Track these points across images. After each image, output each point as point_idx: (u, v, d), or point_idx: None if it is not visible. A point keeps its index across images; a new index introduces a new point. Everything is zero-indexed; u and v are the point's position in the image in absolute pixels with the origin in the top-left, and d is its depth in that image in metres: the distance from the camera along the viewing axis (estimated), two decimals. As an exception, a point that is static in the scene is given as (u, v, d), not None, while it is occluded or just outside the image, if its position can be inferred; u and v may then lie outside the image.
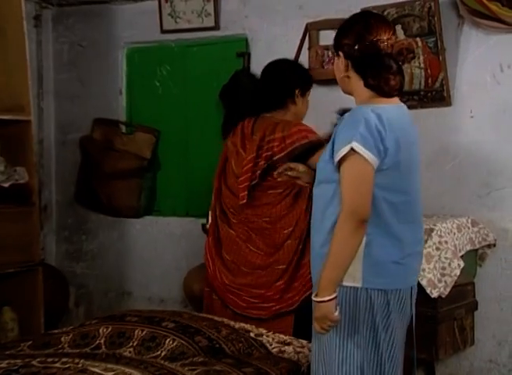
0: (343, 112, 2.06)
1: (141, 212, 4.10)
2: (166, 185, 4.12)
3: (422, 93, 3.30)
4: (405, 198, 1.96)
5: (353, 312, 1.93)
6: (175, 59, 4.06)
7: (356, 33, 1.95)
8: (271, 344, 2.51)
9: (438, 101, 3.28)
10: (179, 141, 4.05)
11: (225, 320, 2.67)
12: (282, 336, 2.61)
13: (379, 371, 1.95)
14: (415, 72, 3.28)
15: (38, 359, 2.27)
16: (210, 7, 3.81)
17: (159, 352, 2.36)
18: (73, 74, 4.28)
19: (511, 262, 3.23)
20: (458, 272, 2.91)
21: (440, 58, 3.22)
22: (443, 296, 2.87)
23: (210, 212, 3.08)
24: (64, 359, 2.26)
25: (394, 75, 1.93)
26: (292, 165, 2.70)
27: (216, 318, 2.70)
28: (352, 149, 1.85)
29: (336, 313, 1.90)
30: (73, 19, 4.27)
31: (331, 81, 3.32)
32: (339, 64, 2.01)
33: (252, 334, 2.57)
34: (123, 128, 4.18)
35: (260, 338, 2.55)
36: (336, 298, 1.91)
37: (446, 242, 2.91)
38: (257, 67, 3.71)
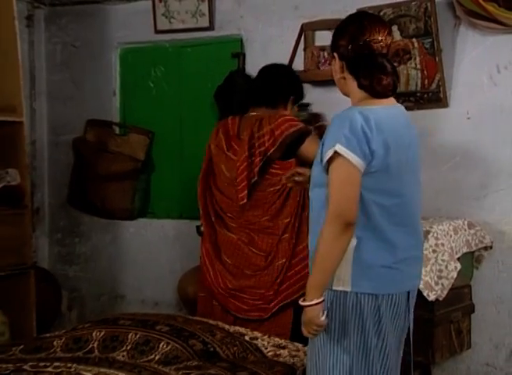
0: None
1: (135, 214, 4.10)
2: (160, 187, 4.11)
3: (419, 94, 3.30)
4: (397, 200, 1.95)
5: (342, 317, 1.93)
6: (169, 60, 4.05)
7: (350, 34, 1.96)
8: (266, 348, 2.51)
9: (434, 103, 3.28)
10: (174, 143, 4.04)
11: (220, 324, 2.67)
12: (277, 339, 2.61)
13: None
14: (411, 73, 3.29)
15: (30, 364, 2.26)
16: (204, 7, 3.81)
17: (153, 356, 2.35)
18: (66, 75, 4.27)
19: (508, 265, 3.23)
20: (455, 274, 2.91)
21: (437, 59, 3.22)
22: (440, 299, 2.88)
23: (202, 218, 3.07)
24: (56, 364, 2.26)
25: (387, 75, 1.93)
26: (300, 170, 2.72)
27: (211, 321, 2.69)
28: (336, 152, 1.86)
29: (323, 318, 1.91)
30: (66, 19, 4.26)
31: (327, 82, 3.33)
32: (335, 66, 2.02)
33: (247, 338, 2.57)
34: (117, 129, 4.18)
35: (255, 342, 2.55)
36: (322, 302, 1.91)
37: (443, 244, 2.91)
38: (252, 68, 3.72)
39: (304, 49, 3.57)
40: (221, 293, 2.99)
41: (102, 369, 2.21)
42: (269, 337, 2.64)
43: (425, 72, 3.26)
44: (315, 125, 3.21)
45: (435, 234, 2.90)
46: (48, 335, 2.63)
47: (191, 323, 2.59)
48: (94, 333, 2.47)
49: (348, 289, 1.91)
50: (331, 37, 2.03)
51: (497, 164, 3.24)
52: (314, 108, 3.55)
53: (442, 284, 2.87)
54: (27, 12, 4.23)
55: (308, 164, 2.85)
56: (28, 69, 4.19)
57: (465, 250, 3.06)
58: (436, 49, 3.21)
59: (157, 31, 3.96)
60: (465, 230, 3.10)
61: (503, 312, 3.24)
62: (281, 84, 3.03)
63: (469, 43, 3.25)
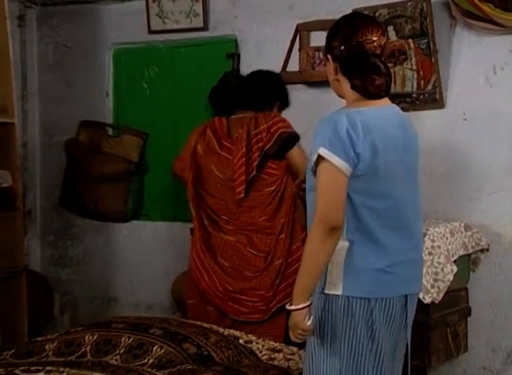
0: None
1: (128, 216, 4.09)
2: (154, 189, 4.11)
3: (414, 95, 3.31)
4: (389, 203, 1.94)
5: (334, 321, 1.93)
6: (163, 60, 4.05)
7: (342, 35, 1.96)
8: (261, 352, 2.51)
9: (430, 104, 3.29)
10: (168, 144, 4.04)
11: (214, 327, 2.67)
12: (272, 343, 2.61)
13: None
14: (407, 74, 3.29)
15: (21, 368, 2.25)
16: (198, 7, 3.82)
17: (146, 360, 2.35)
18: (58, 75, 4.27)
19: (505, 267, 3.24)
20: (451, 277, 2.91)
21: (432, 59, 3.23)
22: (436, 302, 2.88)
23: (195, 221, 3.07)
24: (48, 368, 2.25)
25: (380, 75, 1.93)
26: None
27: (205, 325, 2.69)
28: (320, 155, 1.87)
29: (309, 322, 1.91)
30: (58, 19, 4.26)
31: (322, 83, 3.34)
32: (329, 67, 2.03)
33: (241, 341, 2.57)
34: (110, 131, 4.17)
35: (249, 345, 2.55)
36: (308, 306, 1.91)
37: (439, 247, 2.92)
38: (246, 68, 3.72)
39: (299, 50, 3.58)
40: (219, 296, 2.99)
41: (95, 374, 2.20)
42: (264, 340, 2.64)
43: (421, 73, 3.27)
44: None
45: (432, 237, 2.91)
46: (39, 339, 2.62)
47: (185, 326, 2.59)
48: (86, 337, 2.47)
49: (339, 293, 1.91)
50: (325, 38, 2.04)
51: (494, 166, 3.25)
52: (310, 109, 3.55)
53: (439, 287, 2.87)
54: (19, 12, 4.22)
55: (291, 171, 2.93)
56: (20, 69, 4.18)
57: (461, 252, 3.07)
58: (432, 50, 3.22)
59: (150, 31, 3.97)
60: (462, 233, 3.10)
61: (499, 315, 3.25)
62: (268, 89, 3.10)
63: (465, 44, 3.26)
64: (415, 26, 3.25)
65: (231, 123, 3.07)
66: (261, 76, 3.17)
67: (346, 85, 1.99)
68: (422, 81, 3.28)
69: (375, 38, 1.95)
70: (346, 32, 1.96)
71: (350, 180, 1.89)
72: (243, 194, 2.93)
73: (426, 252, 2.87)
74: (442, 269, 2.89)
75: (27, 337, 3.35)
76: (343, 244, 1.92)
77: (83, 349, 2.42)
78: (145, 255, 4.07)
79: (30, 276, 3.68)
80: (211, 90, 3.74)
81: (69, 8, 4.22)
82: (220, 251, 3.00)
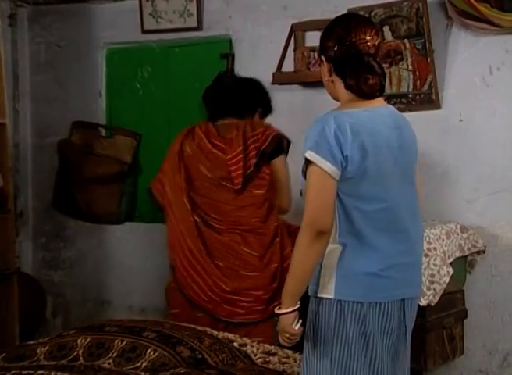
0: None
1: (122, 218, 4.09)
2: (148, 190, 4.10)
3: (410, 96, 3.32)
4: (381, 205, 1.93)
5: (327, 324, 1.93)
6: (156, 60, 4.05)
7: (336, 36, 1.97)
8: (255, 355, 2.51)
9: (426, 105, 3.30)
10: (161, 145, 4.02)
11: (209, 330, 2.67)
12: (267, 346, 2.61)
13: None
14: (403, 74, 3.30)
15: (12, 372, 2.26)
16: (192, 7, 3.82)
17: (140, 363, 2.35)
18: (51, 75, 4.26)
19: (501, 269, 3.25)
20: (447, 279, 2.92)
21: (429, 60, 3.24)
22: (432, 304, 2.88)
23: (184, 225, 3.06)
24: (40, 372, 2.25)
25: (373, 74, 1.93)
26: None
27: (199, 327, 2.69)
28: (307, 158, 1.88)
29: (297, 326, 1.92)
30: (50, 18, 4.26)
31: (317, 83, 3.34)
32: (324, 69, 2.03)
33: (236, 344, 2.57)
34: (103, 131, 4.17)
35: (244, 348, 2.55)
36: (297, 310, 1.92)
37: (435, 249, 2.92)
38: (241, 68, 3.73)
39: (294, 50, 3.58)
40: (212, 299, 2.98)
41: (87, 377, 2.20)
42: (259, 343, 2.64)
43: (417, 73, 3.28)
44: None
45: (428, 238, 2.91)
46: (31, 342, 2.62)
47: (179, 329, 2.59)
48: (79, 341, 2.46)
49: (331, 296, 1.92)
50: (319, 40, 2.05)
51: (490, 167, 3.26)
52: (305, 110, 3.56)
53: (435, 289, 2.88)
54: (10, 11, 4.22)
55: (269, 180, 3.00)
56: (11, 69, 4.18)
57: (458, 254, 3.08)
58: (428, 50, 3.23)
59: (144, 31, 3.96)
60: (458, 234, 3.11)
61: (496, 318, 3.26)
62: (248, 96, 3.14)
63: (461, 44, 3.27)
64: (411, 26, 3.26)
65: (219, 128, 3.10)
66: (241, 82, 3.23)
67: (340, 86, 1.99)
68: (418, 82, 3.28)
69: (368, 38, 1.95)
70: (340, 32, 1.96)
71: (340, 182, 1.89)
72: (240, 186, 2.96)
73: (422, 254, 2.87)
74: (439, 272, 2.90)
75: (18, 341, 3.35)
76: (336, 247, 1.92)
77: (75, 353, 2.42)
78: (139, 258, 4.06)
79: (22, 279, 3.68)
80: (205, 90, 3.74)
81: (62, 8, 4.22)
82: (214, 250, 3.00)
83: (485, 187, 3.27)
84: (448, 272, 2.92)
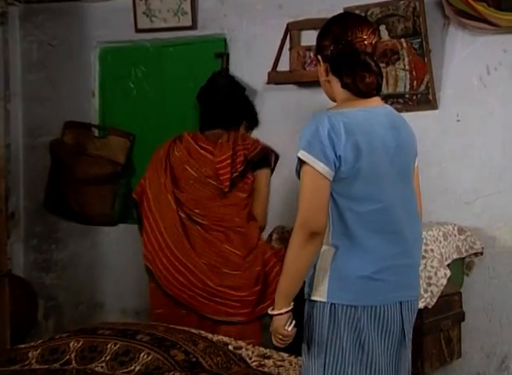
0: None
1: (115, 219, 4.09)
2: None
3: (407, 96, 3.33)
4: (376, 206, 1.93)
5: (320, 328, 1.93)
6: (150, 60, 4.05)
7: (333, 35, 1.98)
8: (250, 358, 2.51)
9: (423, 105, 3.31)
10: (155, 145, 4.01)
11: (203, 333, 2.68)
12: (262, 349, 2.61)
13: None
14: (400, 74, 3.31)
15: (4, 376, 2.25)
16: (187, 5, 3.82)
17: (133, 367, 2.35)
18: (43, 75, 4.26)
19: (499, 271, 3.26)
20: (445, 281, 2.92)
21: (425, 59, 3.25)
22: (429, 306, 2.89)
23: (167, 222, 3.11)
24: (32, 376, 2.25)
25: (370, 73, 1.94)
26: None
27: (193, 330, 2.69)
28: (299, 158, 1.89)
29: (290, 328, 1.92)
30: (42, 16, 4.25)
31: (313, 83, 3.35)
32: (320, 68, 2.04)
33: (231, 347, 2.57)
34: (96, 132, 4.17)
35: (239, 351, 2.55)
36: (290, 311, 1.93)
37: (432, 250, 2.93)
38: (235, 68, 3.73)
39: (290, 49, 3.59)
40: (198, 294, 3.01)
41: (80, 381, 2.20)
42: (254, 346, 2.64)
43: (414, 73, 3.28)
44: None
45: (424, 240, 2.91)
46: (22, 346, 2.61)
47: (173, 332, 2.59)
48: (71, 344, 2.46)
49: (324, 300, 1.92)
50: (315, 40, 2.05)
51: (487, 168, 3.27)
52: (300, 110, 3.56)
53: (432, 292, 2.88)
54: (1, 9, 4.22)
55: (252, 186, 3.10)
56: (2, 68, 4.18)
57: (455, 256, 3.08)
58: (425, 50, 3.24)
59: (137, 30, 3.96)
60: (455, 236, 3.12)
61: (494, 320, 3.26)
62: (233, 108, 3.22)
63: (458, 43, 3.28)
64: (408, 26, 3.27)
65: (207, 136, 3.18)
66: (228, 94, 3.32)
67: (336, 85, 2.00)
68: (415, 81, 3.29)
69: (365, 37, 1.96)
70: (337, 31, 1.97)
71: (334, 183, 1.89)
72: (228, 189, 3.04)
73: (419, 256, 2.88)
74: (436, 274, 2.90)
75: (10, 344, 3.34)
76: (329, 249, 1.92)
77: (67, 356, 2.41)
78: (132, 260, 4.05)
79: (13, 281, 3.67)
80: (200, 90, 3.74)
81: (54, 6, 4.21)
82: (198, 247, 3.05)
83: (482, 188, 3.27)
84: (445, 274, 2.93)
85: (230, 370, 2.40)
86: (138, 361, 2.36)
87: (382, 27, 3.30)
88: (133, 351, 2.40)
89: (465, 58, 3.28)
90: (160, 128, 4.03)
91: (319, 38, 2.03)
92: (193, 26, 3.85)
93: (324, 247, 1.93)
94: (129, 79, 4.09)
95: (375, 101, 2.00)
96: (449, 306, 3.14)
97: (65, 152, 4.11)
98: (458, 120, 3.32)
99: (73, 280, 4.21)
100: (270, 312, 1.95)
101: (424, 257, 2.89)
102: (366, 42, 1.96)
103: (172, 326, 2.76)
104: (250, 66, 3.73)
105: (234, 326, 2.97)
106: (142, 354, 2.38)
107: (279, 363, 2.48)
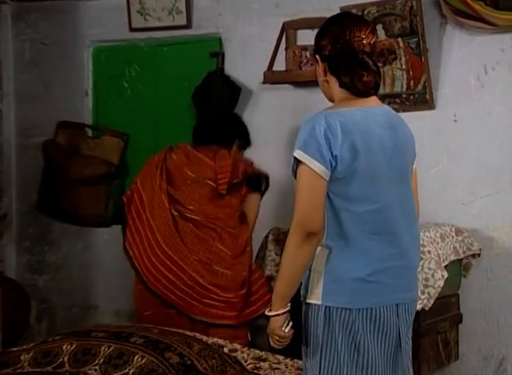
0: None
1: (109, 220, 4.08)
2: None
3: (404, 96, 3.33)
4: (372, 206, 1.93)
5: (315, 331, 1.94)
6: (144, 59, 4.05)
7: (331, 35, 1.99)
8: (245, 361, 2.51)
9: (420, 105, 3.32)
10: (149, 146, 4.03)
11: (198, 335, 2.68)
12: (257, 351, 2.61)
13: None
14: (397, 74, 3.31)
15: (-4, 379, 2.24)
16: (181, 4, 3.82)
17: (127, 370, 2.35)
18: (35, 74, 4.25)
19: (497, 273, 3.27)
20: (442, 283, 2.93)
21: (423, 59, 3.25)
22: (426, 308, 2.89)
23: (159, 221, 3.16)
24: (24, 379, 2.24)
25: (368, 71, 1.95)
26: None
27: (188, 333, 2.69)
28: (296, 158, 1.89)
29: (287, 329, 1.93)
30: (35, 15, 4.24)
31: (309, 83, 3.35)
32: (319, 68, 2.04)
33: (226, 350, 2.57)
34: (89, 132, 4.16)
35: (234, 354, 2.55)
36: (286, 312, 1.93)
37: (429, 252, 2.93)
38: (231, 68, 3.73)
39: (286, 49, 3.59)
40: (188, 294, 3.05)
41: (73, 385, 2.20)
42: (249, 349, 2.64)
43: (411, 72, 3.29)
44: None
45: (422, 241, 2.91)
46: (15, 349, 2.61)
47: (167, 334, 2.59)
48: (64, 347, 2.46)
49: (319, 302, 1.92)
50: (314, 39, 2.05)
51: (485, 168, 3.28)
52: (296, 110, 3.56)
53: (429, 293, 2.89)
54: (-7, 8, 4.21)
55: (244, 196, 3.21)
56: (-5, 67, 4.17)
57: (452, 257, 3.09)
58: (422, 49, 3.25)
59: (131, 29, 3.96)
60: (452, 237, 3.12)
61: (491, 322, 3.27)
62: (226, 128, 3.31)
63: (456, 43, 3.29)
64: (405, 25, 3.27)
65: (204, 148, 3.27)
66: (219, 115, 3.47)
67: (334, 85, 2.00)
68: (412, 81, 3.30)
69: (363, 36, 1.97)
70: (335, 31, 1.98)
71: (330, 183, 1.89)
72: (225, 191, 3.12)
73: (416, 257, 2.89)
74: (433, 275, 2.91)
75: (2, 347, 3.33)
76: (323, 250, 1.92)
77: (60, 359, 2.41)
78: (126, 261, 4.05)
79: (5, 284, 3.66)
80: (195, 90, 3.76)
81: (46, 4, 4.21)
82: (190, 244, 3.11)
83: (480, 188, 3.28)
84: (442, 275, 2.93)
85: (225, 373, 2.40)
86: (132, 364, 2.36)
87: (379, 27, 3.30)
88: (127, 353, 2.40)
89: (462, 57, 3.29)
90: (154, 128, 4.03)
91: (317, 38, 2.03)
92: (188, 26, 3.85)
93: (318, 248, 1.93)
94: (123, 78, 4.09)
95: (373, 101, 2.01)
96: (447, 308, 3.14)
97: (58, 153, 4.11)
98: (455, 120, 3.32)
99: (66, 281, 4.20)
100: (267, 313, 1.96)
101: (421, 258, 2.89)
102: (364, 41, 1.96)
103: (166, 328, 2.76)
104: (245, 66, 3.73)
105: (226, 330, 3.00)
106: (136, 357, 2.38)
107: (274, 366, 2.49)
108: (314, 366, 1.95)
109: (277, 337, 1.94)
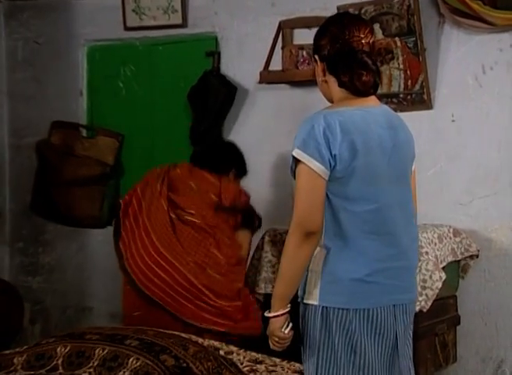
0: None
1: (103, 221, 4.07)
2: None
3: (401, 95, 3.34)
4: (371, 206, 1.93)
5: (313, 331, 1.94)
6: (139, 58, 4.05)
7: (330, 34, 2.00)
8: (242, 363, 2.52)
9: (418, 105, 3.32)
10: (144, 146, 4.03)
11: (193, 337, 2.68)
12: (253, 354, 2.61)
13: None
14: (394, 73, 3.32)
15: (-11, 382, 2.24)
16: (177, 3, 3.82)
17: (122, 373, 2.35)
18: (29, 73, 4.24)
19: (495, 274, 3.27)
20: (440, 284, 2.93)
21: (420, 58, 3.26)
22: (424, 310, 2.90)
23: (155, 223, 3.19)
24: (17, 382, 2.24)
25: (367, 71, 1.96)
26: None
27: (183, 335, 2.69)
28: (295, 157, 1.90)
29: (286, 330, 1.93)
30: (28, 13, 4.24)
31: (305, 83, 3.36)
32: (318, 69, 2.05)
33: (222, 352, 2.57)
34: (84, 132, 4.16)
35: (230, 356, 2.55)
36: (286, 313, 1.93)
37: (427, 253, 2.93)
38: (227, 67, 3.73)
39: (282, 48, 3.59)
40: (180, 295, 3.05)
41: (67, 388, 2.19)
42: (245, 351, 2.64)
43: (408, 72, 3.29)
44: None
45: (419, 242, 2.92)
46: (7, 352, 2.60)
47: (163, 336, 2.59)
48: (58, 349, 2.46)
49: (316, 303, 1.93)
50: (312, 38, 2.06)
51: (483, 169, 3.28)
52: (294, 110, 3.57)
53: (427, 295, 2.89)
54: (-15, 6, 4.20)
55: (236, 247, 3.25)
56: (-13, 67, 4.16)
57: (450, 259, 3.09)
58: (420, 48, 3.25)
59: (126, 28, 3.96)
60: (450, 238, 3.12)
61: (490, 324, 3.27)
62: (222, 157, 3.35)
63: (454, 42, 3.29)
64: (402, 24, 3.28)
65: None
66: (217, 144, 3.53)
67: (333, 85, 2.01)
68: (409, 81, 3.30)
69: (362, 36, 1.98)
70: (334, 31, 1.99)
71: (329, 182, 1.90)
72: (228, 204, 3.19)
73: (414, 259, 2.89)
74: (431, 277, 2.91)
75: (-5, 350, 3.32)
76: (320, 250, 1.93)
77: (54, 362, 2.41)
78: (120, 263, 4.05)
79: (-1, 285, 3.65)
80: (191, 89, 3.76)
81: (40, 3, 4.20)
82: (187, 246, 3.13)
83: (478, 189, 3.28)
84: (440, 277, 2.93)
85: (221, 376, 2.41)
86: (127, 366, 2.36)
87: (376, 26, 3.30)
88: (122, 356, 2.40)
89: (460, 57, 3.29)
90: (149, 128, 4.03)
91: (316, 38, 2.04)
92: (184, 25, 3.85)
93: (316, 248, 1.94)
94: (118, 78, 4.09)
95: (372, 101, 2.02)
96: (445, 310, 3.15)
97: (53, 153, 4.10)
98: (453, 120, 3.33)
99: (61, 283, 4.20)
100: (266, 314, 1.96)
101: (419, 260, 2.90)
102: (363, 41, 1.97)
103: (161, 330, 2.76)
104: (241, 65, 3.73)
105: (220, 339, 2.96)
106: (131, 359, 2.38)
107: (271, 368, 2.49)
108: (311, 366, 1.95)
109: (277, 339, 1.94)
